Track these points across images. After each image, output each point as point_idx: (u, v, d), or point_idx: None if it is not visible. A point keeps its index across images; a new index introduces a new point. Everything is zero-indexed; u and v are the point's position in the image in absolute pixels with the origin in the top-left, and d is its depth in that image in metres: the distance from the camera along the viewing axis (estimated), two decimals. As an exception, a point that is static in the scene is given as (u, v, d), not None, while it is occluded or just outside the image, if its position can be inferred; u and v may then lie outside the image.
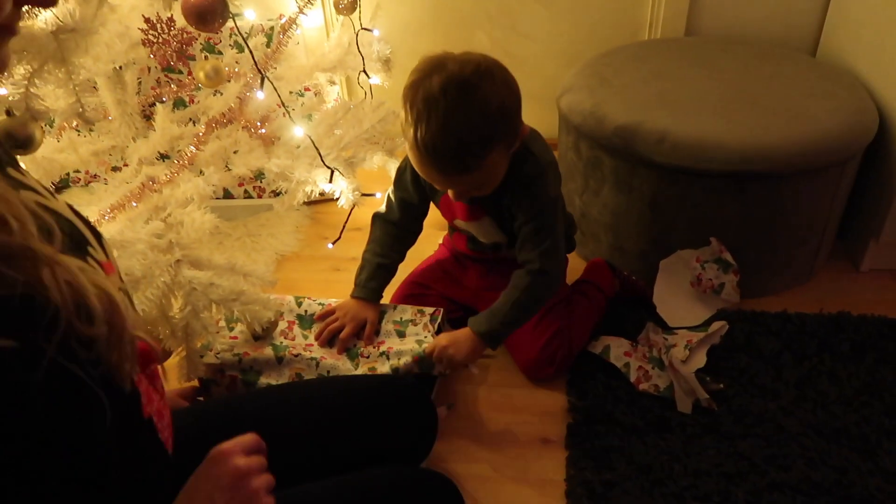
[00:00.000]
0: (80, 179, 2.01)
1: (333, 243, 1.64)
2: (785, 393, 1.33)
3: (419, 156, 1.10)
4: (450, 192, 1.20)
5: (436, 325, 1.32)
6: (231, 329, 1.34)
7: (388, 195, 1.38)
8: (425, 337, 1.29)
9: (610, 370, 1.38)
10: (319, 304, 1.36)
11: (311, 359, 1.27)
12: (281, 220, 1.87)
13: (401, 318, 1.34)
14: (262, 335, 1.31)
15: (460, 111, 1.06)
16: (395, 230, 1.38)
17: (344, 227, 1.68)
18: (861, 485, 1.16)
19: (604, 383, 1.36)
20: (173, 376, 1.22)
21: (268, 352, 1.28)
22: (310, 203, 1.91)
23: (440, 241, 1.60)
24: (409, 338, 1.30)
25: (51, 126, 1.32)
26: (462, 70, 1.07)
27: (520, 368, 1.42)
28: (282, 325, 1.34)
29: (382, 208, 1.39)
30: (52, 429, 0.56)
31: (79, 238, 0.61)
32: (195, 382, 1.28)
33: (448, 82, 1.06)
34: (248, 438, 0.82)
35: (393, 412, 1.04)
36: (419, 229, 1.42)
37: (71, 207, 0.64)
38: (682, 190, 1.45)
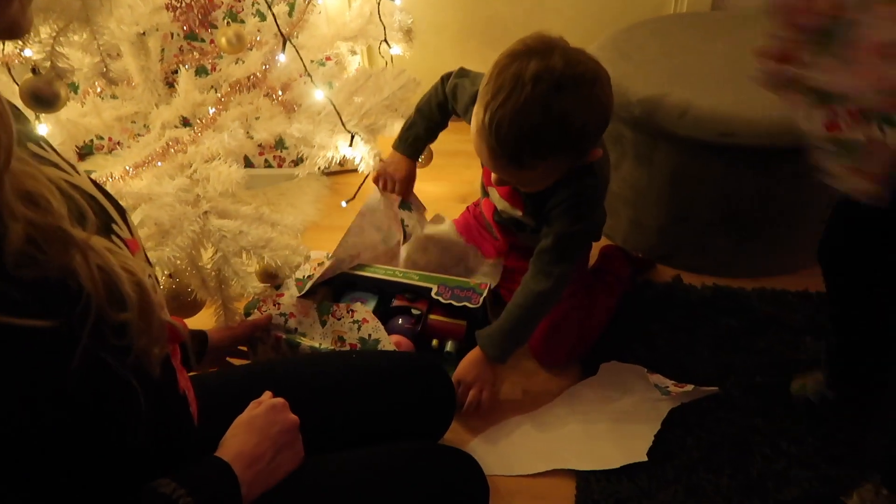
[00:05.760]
0: (103, 146, 2.03)
1: (348, 202, 1.60)
2: (803, 369, 1.32)
3: (480, 127, 1.07)
4: (492, 175, 1.18)
5: (481, 299, 1.33)
6: (277, 287, 1.37)
7: (454, 80, 1.32)
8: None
9: (625, 352, 1.38)
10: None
11: (354, 322, 1.29)
12: (301, 190, 1.88)
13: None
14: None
15: (539, 109, 1.00)
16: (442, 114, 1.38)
17: (360, 188, 1.67)
18: (873, 456, 1.15)
19: (620, 360, 1.36)
20: (209, 326, 1.24)
21: (313, 314, 1.32)
22: (329, 174, 1.92)
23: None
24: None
25: (76, 91, 1.34)
26: (564, 69, 1.01)
27: (531, 353, 1.41)
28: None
29: (450, 83, 1.33)
30: (86, 418, 0.55)
31: (104, 216, 0.60)
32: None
33: (544, 74, 1.00)
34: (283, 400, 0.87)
35: (412, 385, 1.03)
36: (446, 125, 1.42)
37: (94, 182, 0.63)
38: (703, 165, 1.44)
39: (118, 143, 2.00)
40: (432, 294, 1.36)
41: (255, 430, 0.81)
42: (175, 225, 1.21)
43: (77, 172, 0.61)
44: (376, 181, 1.42)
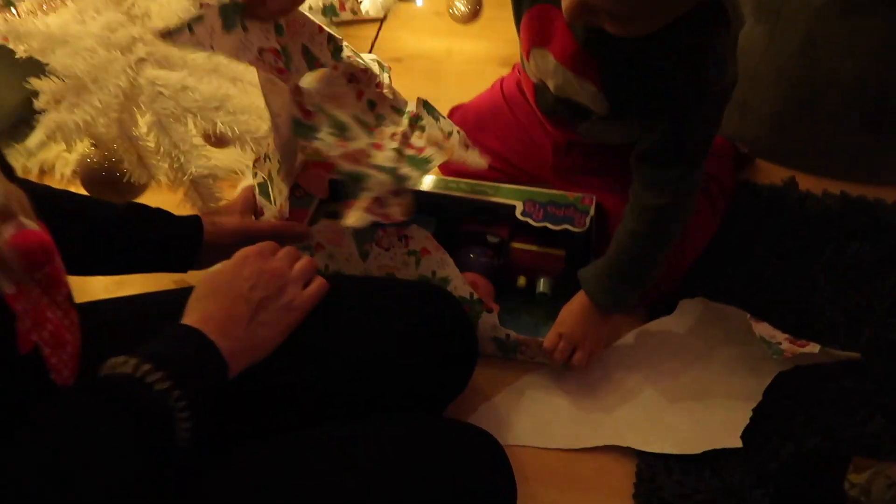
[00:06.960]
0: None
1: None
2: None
3: None
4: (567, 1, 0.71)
5: (587, 220, 0.94)
6: (273, 202, 0.96)
7: None
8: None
9: (714, 283, 1.01)
10: None
11: (410, 253, 0.93)
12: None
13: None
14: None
15: None
16: None
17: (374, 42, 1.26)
18: None
19: (708, 296, 0.99)
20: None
21: (349, 243, 0.94)
22: (340, 23, 1.53)
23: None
24: None
25: None
26: None
27: None
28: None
29: None
30: None
31: None
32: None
33: None
34: (270, 243, 0.74)
35: (431, 319, 0.80)
36: None
37: None
38: (857, 26, 1.01)
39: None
40: (518, 214, 0.96)
41: (219, 292, 0.66)
42: (96, 78, 0.90)
43: None
44: None
